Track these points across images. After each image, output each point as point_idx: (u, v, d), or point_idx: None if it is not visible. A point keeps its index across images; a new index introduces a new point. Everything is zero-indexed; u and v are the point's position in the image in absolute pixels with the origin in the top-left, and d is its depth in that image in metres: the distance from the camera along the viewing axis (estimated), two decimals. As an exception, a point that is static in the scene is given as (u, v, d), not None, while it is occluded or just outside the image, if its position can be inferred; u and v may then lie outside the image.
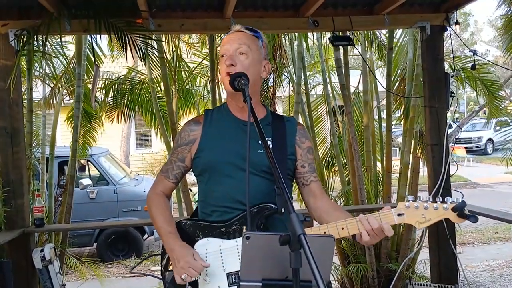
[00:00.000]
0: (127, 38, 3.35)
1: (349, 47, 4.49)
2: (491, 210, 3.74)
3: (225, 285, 1.78)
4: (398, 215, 1.65)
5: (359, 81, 5.45)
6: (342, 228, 1.66)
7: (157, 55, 4.22)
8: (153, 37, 3.60)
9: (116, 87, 5.38)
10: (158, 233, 1.94)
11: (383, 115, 5.87)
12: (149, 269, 6.97)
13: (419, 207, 1.64)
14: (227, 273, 1.78)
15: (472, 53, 3.89)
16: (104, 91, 5.36)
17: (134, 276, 6.72)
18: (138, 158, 15.86)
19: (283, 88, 5.48)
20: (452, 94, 3.93)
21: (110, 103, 5.50)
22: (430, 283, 3.77)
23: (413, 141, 4.74)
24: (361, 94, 5.36)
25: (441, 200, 1.65)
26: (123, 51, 3.28)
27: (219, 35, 4.50)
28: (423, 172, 4.92)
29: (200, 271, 1.73)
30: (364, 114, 4.96)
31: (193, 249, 1.80)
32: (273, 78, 5.19)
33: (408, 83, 4.90)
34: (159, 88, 5.33)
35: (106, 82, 5.47)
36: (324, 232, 1.63)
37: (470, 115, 16.22)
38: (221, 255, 1.80)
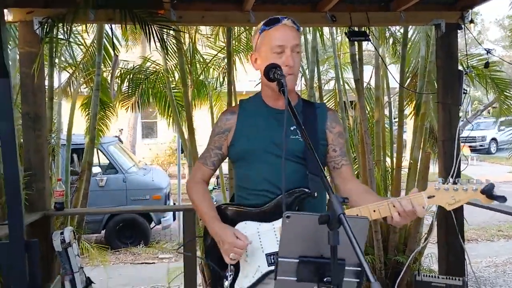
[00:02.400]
0: (151, 29, 3.42)
1: (363, 43, 4.55)
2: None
3: (265, 265, 1.88)
4: (429, 197, 1.71)
5: (371, 76, 5.52)
6: (374, 211, 1.73)
7: (176, 46, 4.30)
8: (173, 28, 3.65)
9: (131, 76, 5.46)
10: (201, 218, 2.07)
11: (393, 111, 5.95)
12: (157, 257, 7.09)
13: (449, 189, 1.69)
14: (266, 254, 1.88)
15: (486, 52, 3.95)
16: (119, 80, 5.43)
17: (143, 263, 6.84)
18: (144, 148, 15.97)
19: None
20: (465, 91, 4.01)
21: (125, 92, 5.57)
22: (438, 275, 3.86)
23: (423, 137, 4.82)
24: (372, 89, 5.44)
25: (470, 182, 1.72)
26: (147, 41, 3.35)
27: (238, 28, 4.57)
28: (433, 168, 5.01)
29: (244, 249, 1.83)
30: (375, 109, 5.04)
31: (234, 229, 1.90)
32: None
33: (420, 79, 4.97)
34: (172, 79, 5.40)
35: (122, 71, 5.54)
36: (357, 215, 1.71)
37: (475, 114, 16.26)
38: (259, 237, 1.90)
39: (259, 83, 5.61)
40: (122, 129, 13.73)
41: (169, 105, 5.69)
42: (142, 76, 5.46)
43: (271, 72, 1.80)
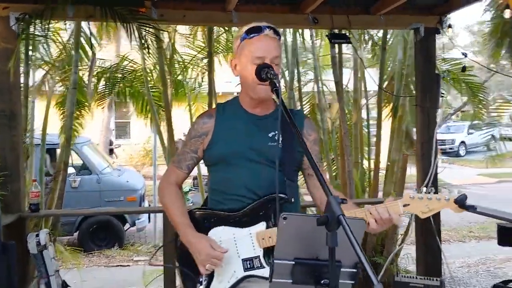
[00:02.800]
0: (132, 27, 3.36)
1: (342, 45, 4.59)
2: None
3: (241, 270, 1.86)
4: (404, 205, 1.77)
5: (349, 79, 5.57)
6: (314, 215, 1.75)
7: (155, 45, 4.24)
8: (154, 26, 3.59)
9: (108, 75, 5.36)
10: (172, 223, 2.00)
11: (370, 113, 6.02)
12: (132, 259, 6.98)
13: (423, 198, 1.76)
14: (242, 259, 1.87)
15: (464, 55, 4.04)
16: (95, 79, 5.33)
17: (117, 266, 6.72)
18: (118, 149, 15.73)
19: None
20: (442, 95, 4.09)
21: (102, 91, 5.47)
22: (416, 276, 3.91)
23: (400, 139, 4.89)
24: (350, 92, 5.50)
25: (443, 192, 1.78)
26: (129, 39, 3.29)
27: (217, 28, 4.54)
28: (409, 170, 5.09)
29: (221, 260, 1.81)
30: (353, 112, 5.09)
31: (209, 238, 1.87)
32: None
33: (397, 82, 5.05)
34: (151, 78, 5.34)
35: (98, 70, 5.44)
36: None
37: (445, 117, 16.61)
38: (236, 242, 1.88)
39: (239, 83, 5.57)
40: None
41: (147, 105, 5.62)
42: (119, 75, 5.36)
43: (263, 72, 1.79)
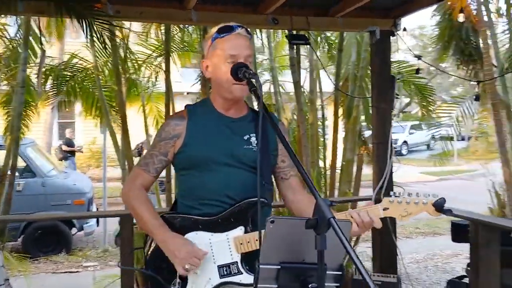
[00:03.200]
0: (86, 23, 3.22)
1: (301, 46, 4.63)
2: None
3: (216, 277, 1.81)
4: (384, 209, 1.78)
5: (304, 80, 5.62)
6: (302, 218, 1.74)
7: (109, 42, 4.09)
8: (111, 23, 3.47)
9: (56, 73, 5.12)
10: (143, 227, 1.91)
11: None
12: (81, 265, 6.73)
13: (401, 202, 1.79)
14: (218, 266, 1.81)
15: (417, 58, 4.16)
16: (43, 78, 5.08)
17: (66, 272, 6.44)
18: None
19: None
20: (397, 96, 4.19)
21: (50, 90, 5.22)
22: (374, 273, 3.99)
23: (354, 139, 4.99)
24: (305, 92, 5.54)
25: (420, 196, 1.81)
26: (85, 36, 3.15)
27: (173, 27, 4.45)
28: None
29: (202, 259, 1.75)
30: (310, 113, 5.14)
31: (186, 238, 1.81)
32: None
33: (351, 84, 5.14)
34: (102, 77, 5.16)
35: (45, 67, 5.18)
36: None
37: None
38: (212, 248, 1.82)
39: (195, 83, 5.44)
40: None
41: (97, 104, 5.42)
42: (68, 73, 5.13)
43: (240, 71, 1.74)
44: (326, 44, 5.34)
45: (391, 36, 4.17)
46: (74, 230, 7.71)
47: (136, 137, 4.66)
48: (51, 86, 5.22)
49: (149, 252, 1.90)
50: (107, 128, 6.17)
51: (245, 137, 1.90)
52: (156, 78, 5.81)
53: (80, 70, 5.07)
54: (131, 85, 5.51)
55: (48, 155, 9.52)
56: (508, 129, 5.73)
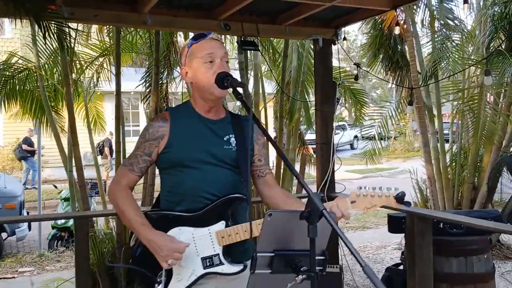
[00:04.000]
0: (43, 24, 3.21)
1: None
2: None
3: (200, 268, 1.96)
4: (351, 202, 1.99)
5: (248, 83, 5.83)
6: (295, 210, 1.95)
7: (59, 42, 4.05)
8: (66, 25, 3.47)
9: (-6, 73, 4.94)
10: (128, 225, 2.04)
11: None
12: (17, 271, 6.49)
13: (367, 195, 2.00)
14: (201, 258, 1.96)
15: (356, 66, 4.51)
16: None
17: (1, 278, 6.18)
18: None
19: (176, 84, 5.61)
20: (338, 100, 4.52)
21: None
22: (319, 265, 4.28)
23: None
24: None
25: (383, 190, 2.05)
26: (43, 37, 3.13)
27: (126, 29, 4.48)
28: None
29: (183, 252, 1.89)
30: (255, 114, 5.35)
31: (169, 235, 1.95)
32: (166, 74, 5.30)
33: (293, 88, 5.43)
34: (46, 77, 5.05)
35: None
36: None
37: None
38: (195, 242, 1.96)
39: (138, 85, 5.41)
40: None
41: (36, 106, 5.29)
42: (8, 73, 4.97)
43: (226, 81, 1.91)
44: (271, 50, 5.58)
45: (332, 45, 4.51)
46: (4, 235, 7.39)
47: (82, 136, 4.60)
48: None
49: (135, 248, 2.02)
50: (42, 129, 6.05)
51: (225, 138, 2.07)
52: (97, 79, 5.76)
53: (20, 70, 4.92)
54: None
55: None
56: (430, 130, 6.31)
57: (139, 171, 2.06)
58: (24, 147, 13.09)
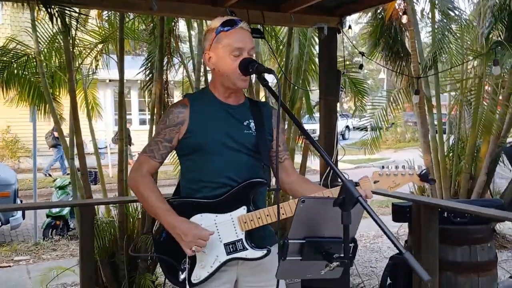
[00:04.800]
0: (48, 8, 3.14)
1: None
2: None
3: (223, 254, 1.95)
4: (374, 182, 1.99)
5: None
6: (328, 197, 1.95)
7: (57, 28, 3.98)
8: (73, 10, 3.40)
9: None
10: (151, 212, 2.01)
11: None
12: (12, 259, 6.44)
13: (390, 174, 2.00)
14: (224, 244, 1.95)
15: (361, 55, 4.50)
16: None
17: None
18: None
19: (176, 71, 5.55)
20: (342, 89, 4.51)
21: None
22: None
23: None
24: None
25: (406, 168, 2.04)
26: (51, 22, 3.07)
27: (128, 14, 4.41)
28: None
29: (207, 239, 1.87)
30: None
31: (193, 222, 1.93)
32: (166, 61, 5.24)
33: (294, 77, 5.40)
34: (46, 64, 4.97)
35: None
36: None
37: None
38: (217, 228, 1.95)
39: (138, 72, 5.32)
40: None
41: (35, 92, 5.21)
42: (5, 59, 4.87)
43: (251, 66, 1.89)
44: (274, 38, 5.54)
45: (337, 33, 4.49)
46: (-1, 224, 7.32)
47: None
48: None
49: (158, 236, 2.00)
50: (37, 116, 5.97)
51: (245, 123, 2.05)
52: (96, 66, 5.68)
53: (20, 56, 4.82)
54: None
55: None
56: (429, 120, 6.33)
57: (160, 157, 2.04)
58: (57, 134, 12.90)
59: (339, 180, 1.68)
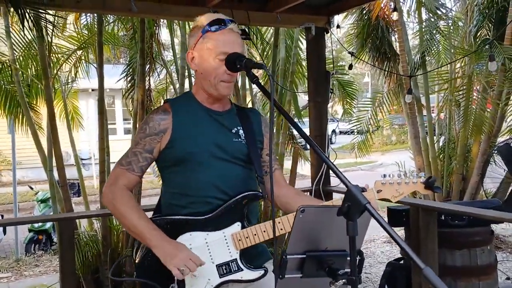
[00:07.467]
0: (21, 11, 2.94)
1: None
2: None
3: (216, 277, 1.76)
4: (377, 191, 1.84)
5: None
6: (331, 205, 1.78)
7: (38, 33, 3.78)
8: (46, 12, 3.20)
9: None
10: (132, 232, 1.78)
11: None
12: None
13: (393, 183, 1.85)
14: (216, 265, 1.77)
15: (351, 54, 4.36)
16: None
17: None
18: None
19: (158, 75, 5.37)
20: (331, 91, 4.36)
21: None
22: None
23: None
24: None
25: (409, 176, 1.90)
26: (22, 25, 2.87)
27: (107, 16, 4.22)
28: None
29: (199, 264, 1.68)
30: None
31: (181, 243, 1.74)
32: (148, 66, 5.06)
33: (281, 79, 5.25)
34: (22, 72, 4.75)
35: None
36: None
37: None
38: (208, 247, 1.77)
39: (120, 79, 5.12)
40: None
41: (11, 102, 4.98)
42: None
43: (239, 62, 1.71)
44: (260, 40, 5.39)
45: (325, 33, 4.34)
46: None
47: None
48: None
49: (140, 258, 1.80)
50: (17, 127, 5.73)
51: (233, 130, 1.87)
52: (75, 73, 5.47)
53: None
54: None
55: None
56: (419, 121, 6.22)
57: (140, 170, 1.83)
58: None
59: (332, 185, 1.52)
